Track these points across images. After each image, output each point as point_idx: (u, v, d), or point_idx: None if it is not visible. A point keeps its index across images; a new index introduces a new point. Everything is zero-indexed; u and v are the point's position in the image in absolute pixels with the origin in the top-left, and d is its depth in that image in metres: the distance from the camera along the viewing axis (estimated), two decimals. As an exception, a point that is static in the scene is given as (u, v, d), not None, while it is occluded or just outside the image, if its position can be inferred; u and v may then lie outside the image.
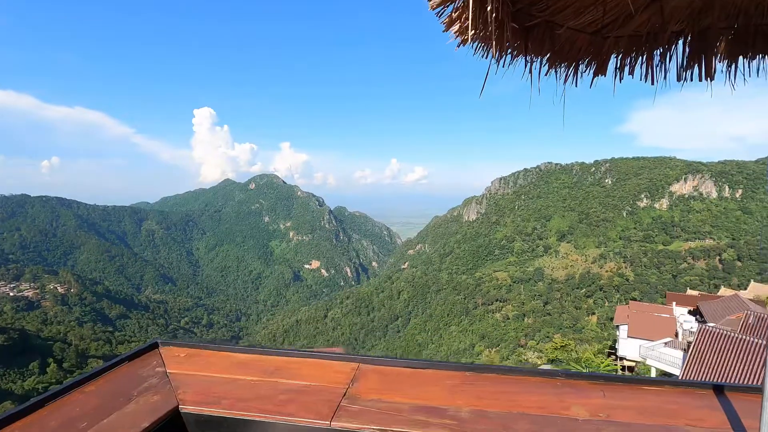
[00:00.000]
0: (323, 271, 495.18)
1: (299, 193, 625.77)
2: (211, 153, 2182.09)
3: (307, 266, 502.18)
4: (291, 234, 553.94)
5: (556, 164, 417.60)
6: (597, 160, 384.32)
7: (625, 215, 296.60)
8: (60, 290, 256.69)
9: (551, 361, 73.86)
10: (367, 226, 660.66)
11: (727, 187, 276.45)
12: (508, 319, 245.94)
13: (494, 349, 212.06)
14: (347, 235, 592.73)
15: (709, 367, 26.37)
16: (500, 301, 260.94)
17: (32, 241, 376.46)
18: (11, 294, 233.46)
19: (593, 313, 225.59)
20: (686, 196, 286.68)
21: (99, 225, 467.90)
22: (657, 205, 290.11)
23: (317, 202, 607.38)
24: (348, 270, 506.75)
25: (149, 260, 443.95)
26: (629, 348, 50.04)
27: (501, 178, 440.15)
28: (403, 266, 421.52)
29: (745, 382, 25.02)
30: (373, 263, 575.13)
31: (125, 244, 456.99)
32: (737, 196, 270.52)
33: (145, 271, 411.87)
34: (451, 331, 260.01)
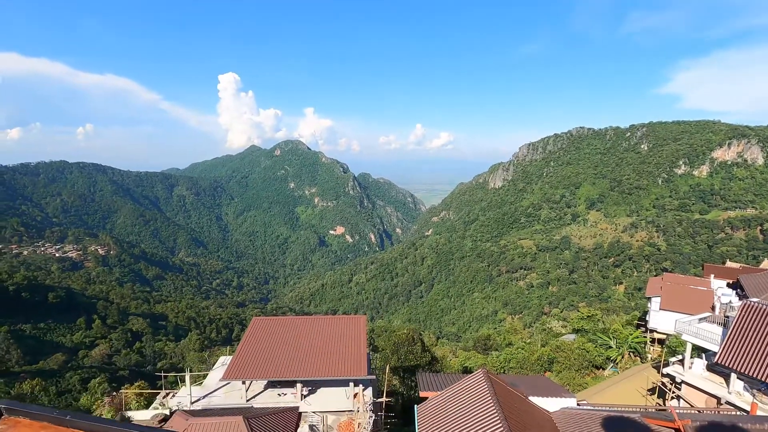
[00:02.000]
0: (348, 236, 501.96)
1: (324, 159, 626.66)
2: (236, 119, 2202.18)
3: (332, 232, 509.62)
4: (316, 200, 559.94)
5: (589, 129, 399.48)
6: (633, 125, 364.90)
7: (660, 183, 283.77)
8: (101, 252, 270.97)
9: (576, 331, 73.20)
10: (391, 193, 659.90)
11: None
12: (532, 287, 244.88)
13: (517, 317, 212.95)
14: (371, 201, 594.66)
15: (754, 347, 25.19)
16: (525, 269, 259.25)
17: (73, 205, 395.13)
18: (57, 255, 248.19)
19: (621, 283, 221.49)
20: (729, 162, 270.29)
21: (133, 190, 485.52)
22: (696, 172, 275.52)
23: (342, 169, 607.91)
24: (372, 236, 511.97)
25: (181, 224, 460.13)
26: (661, 320, 48.70)
27: (530, 144, 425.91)
28: (427, 233, 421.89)
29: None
30: (397, 229, 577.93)
31: (158, 209, 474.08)
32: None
33: (178, 234, 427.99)
34: (474, 298, 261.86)
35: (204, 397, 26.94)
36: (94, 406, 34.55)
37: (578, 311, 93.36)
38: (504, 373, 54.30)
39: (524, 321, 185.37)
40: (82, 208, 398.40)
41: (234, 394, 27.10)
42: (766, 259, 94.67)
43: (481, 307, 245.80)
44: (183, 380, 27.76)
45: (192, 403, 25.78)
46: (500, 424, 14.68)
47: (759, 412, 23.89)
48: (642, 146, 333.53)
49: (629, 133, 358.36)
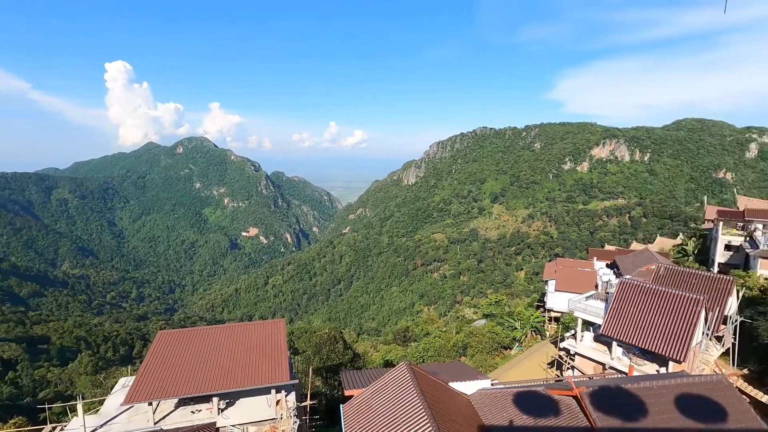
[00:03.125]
0: (262, 238, 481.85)
1: (233, 157, 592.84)
2: (129, 113, 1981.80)
3: (244, 233, 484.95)
4: (226, 200, 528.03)
5: (491, 129, 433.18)
6: (527, 125, 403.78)
7: (551, 177, 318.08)
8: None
9: (486, 316, 78.94)
10: (306, 191, 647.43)
11: (637, 151, 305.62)
12: (446, 277, 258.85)
13: (433, 307, 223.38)
14: (286, 200, 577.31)
15: (628, 318, 29.42)
16: (438, 262, 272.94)
17: None
18: None
19: (522, 269, 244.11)
20: (604, 159, 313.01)
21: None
22: (579, 168, 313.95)
23: (253, 167, 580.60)
24: (288, 236, 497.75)
25: (64, 232, 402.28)
26: (557, 300, 54.72)
27: (439, 143, 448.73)
28: (344, 231, 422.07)
29: (665, 330, 28.26)
30: (314, 228, 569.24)
31: (32, 215, 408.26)
32: (645, 159, 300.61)
33: (60, 244, 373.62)
34: (392, 292, 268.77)
35: (102, 426, 23.87)
36: (-47, 455, 28.75)
37: (487, 297, 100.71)
38: (423, 362, 56.59)
39: (439, 310, 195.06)
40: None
41: (138, 419, 24.41)
42: (634, 241, 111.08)
43: (399, 300, 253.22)
44: (74, 409, 24.32)
45: (86, 434, 22.67)
46: (425, 414, 15.20)
47: (635, 373, 27.95)
48: (535, 145, 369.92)
49: (524, 133, 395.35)
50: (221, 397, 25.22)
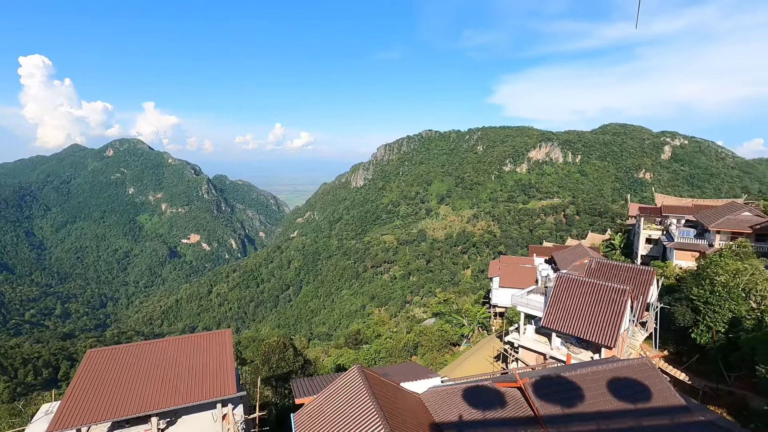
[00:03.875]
0: (204, 244, 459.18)
1: (170, 160, 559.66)
2: (49, 112, 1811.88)
3: (185, 241, 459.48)
4: (163, 206, 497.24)
5: (436, 131, 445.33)
6: (470, 129, 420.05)
7: (493, 179, 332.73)
8: None
9: (435, 315, 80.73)
10: (251, 195, 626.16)
11: (570, 153, 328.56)
12: (396, 278, 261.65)
13: (384, 308, 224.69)
14: (230, 205, 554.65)
15: (565, 309, 31.38)
16: (388, 263, 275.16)
17: None
18: None
19: (468, 267, 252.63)
20: (540, 161, 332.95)
21: None
22: (519, 169, 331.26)
23: (193, 171, 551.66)
24: (233, 242, 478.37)
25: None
26: (501, 297, 57.13)
27: (386, 145, 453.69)
28: (292, 235, 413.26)
29: (597, 319, 30.36)
30: (260, 233, 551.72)
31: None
32: (577, 161, 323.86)
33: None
34: (342, 295, 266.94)
35: (20, 459, 21.48)
36: None
37: (436, 297, 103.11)
38: (375, 364, 56.71)
39: (390, 311, 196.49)
40: None
41: (65, 447, 22.23)
42: (569, 237, 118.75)
43: (350, 303, 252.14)
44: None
45: (2, 470, 20.30)
46: (377, 417, 15.19)
47: (573, 361, 29.82)
48: (478, 147, 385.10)
49: (468, 136, 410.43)
50: (161, 416, 23.67)
